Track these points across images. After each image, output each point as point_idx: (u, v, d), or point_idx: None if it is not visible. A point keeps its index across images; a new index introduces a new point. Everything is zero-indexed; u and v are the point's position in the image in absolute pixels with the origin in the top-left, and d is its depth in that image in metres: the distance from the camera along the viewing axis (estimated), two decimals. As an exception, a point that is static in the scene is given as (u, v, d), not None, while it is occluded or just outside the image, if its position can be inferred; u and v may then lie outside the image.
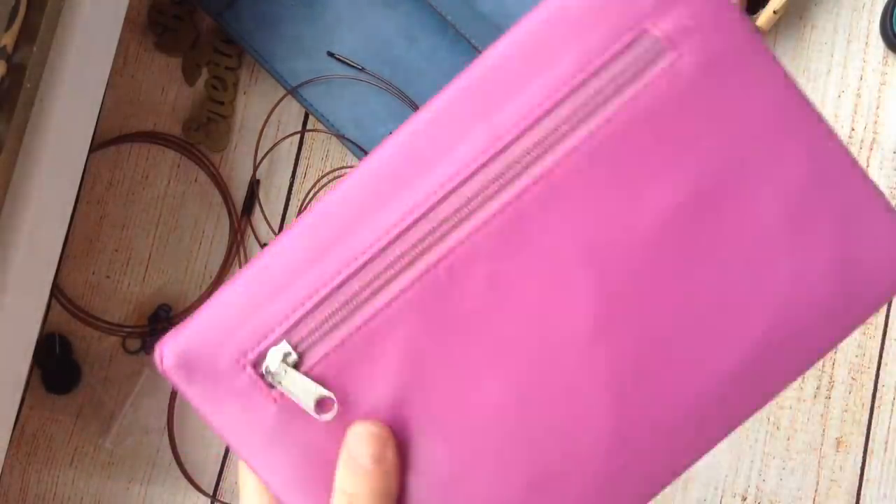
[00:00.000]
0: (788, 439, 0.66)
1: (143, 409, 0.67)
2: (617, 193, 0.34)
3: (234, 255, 0.68)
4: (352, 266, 0.34)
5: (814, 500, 0.66)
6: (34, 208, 0.54)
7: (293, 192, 0.68)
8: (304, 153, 0.68)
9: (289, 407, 0.34)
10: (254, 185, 0.68)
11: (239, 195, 0.68)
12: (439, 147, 0.34)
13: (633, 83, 0.34)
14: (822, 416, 0.66)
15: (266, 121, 0.67)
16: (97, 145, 0.66)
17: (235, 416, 0.34)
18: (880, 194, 0.35)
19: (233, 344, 0.34)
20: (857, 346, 0.66)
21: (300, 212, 0.67)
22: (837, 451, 0.66)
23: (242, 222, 0.68)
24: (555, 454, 0.35)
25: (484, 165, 0.34)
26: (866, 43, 0.65)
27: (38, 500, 0.67)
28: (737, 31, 0.34)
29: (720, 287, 0.35)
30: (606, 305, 0.34)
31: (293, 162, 0.68)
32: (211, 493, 0.68)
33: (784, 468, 0.66)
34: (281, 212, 0.68)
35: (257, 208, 0.68)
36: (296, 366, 0.34)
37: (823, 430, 0.66)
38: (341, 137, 0.66)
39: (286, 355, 0.34)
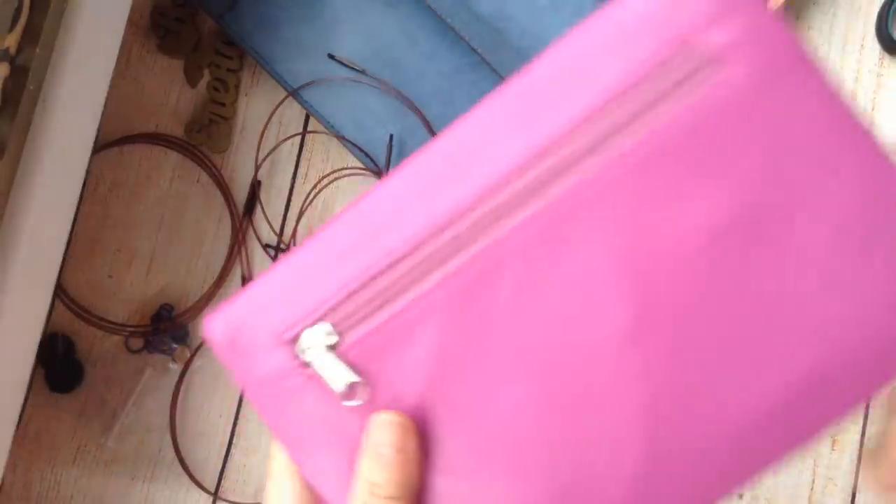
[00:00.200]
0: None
1: (146, 407, 0.68)
2: (659, 205, 0.33)
3: (236, 255, 0.68)
4: (392, 256, 0.34)
5: (809, 498, 0.66)
6: (37, 209, 0.54)
7: (294, 192, 0.68)
8: (304, 154, 0.68)
9: (321, 388, 0.35)
10: (255, 186, 0.68)
11: (240, 196, 0.68)
12: (482, 148, 0.34)
13: (681, 95, 0.33)
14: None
15: (267, 122, 0.67)
16: (100, 146, 0.67)
17: (272, 393, 0.35)
18: None
19: (274, 321, 0.35)
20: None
21: (301, 212, 0.68)
22: (833, 450, 0.66)
23: (244, 223, 0.68)
24: (578, 469, 0.34)
25: (525, 168, 0.34)
26: (862, 45, 0.65)
27: (41, 498, 0.68)
28: (788, 45, 0.33)
29: (765, 311, 0.33)
30: (642, 318, 0.33)
31: (294, 163, 0.68)
32: (213, 491, 0.68)
33: (779, 466, 0.66)
34: (282, 212, 0.68)
35: (258, 209, 0.68)
36: (332, 347, 0.34)
37: (820, 429, 0.66)
38: (342, 139, 0.66)
39: (323, 336, 0.34)
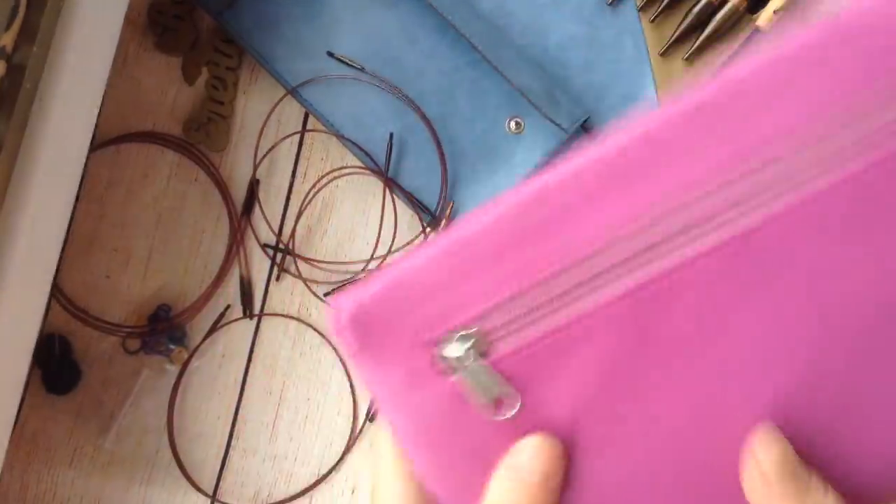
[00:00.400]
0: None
1: (143, 409, 0.67)
2: (864, 249, 0.29)
3: (234, 255, 0.68)
4: (565, 260, 0.30)
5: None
6: (33, 208, 0.54)
7: (293, 191, 0.68)
8: (303, 153, 0.68)
9: (458, 396, 0.31)
10: (253, 185, 0.68)
11: (239, 195, 0.68)
12: (680, 151, 0.30)
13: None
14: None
15: (266, 120, 0.67)
16: (97, 145, 0.66)
17: (400, 392, 0.32)
18: None
19: (417, 317, 0.31)
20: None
21: (300, 211, 0.67)
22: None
23: (242, 222, 0.68)
24: None
25: (723, 185, 0.29)
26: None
27: (38, 500, 0.67)
28: None
29: None
30: (821, 367, 0.30)
31: (293, 161, 0.68)
32: (211, 494, 0.68)
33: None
34: (281, 211, 0.68)
35: (257, 208, 0.68)
36: (482, 355, 0.31)
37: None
38: (341, 137, 0.66)
39: (474, 342, 0.31)
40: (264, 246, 0.68)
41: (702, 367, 0.31)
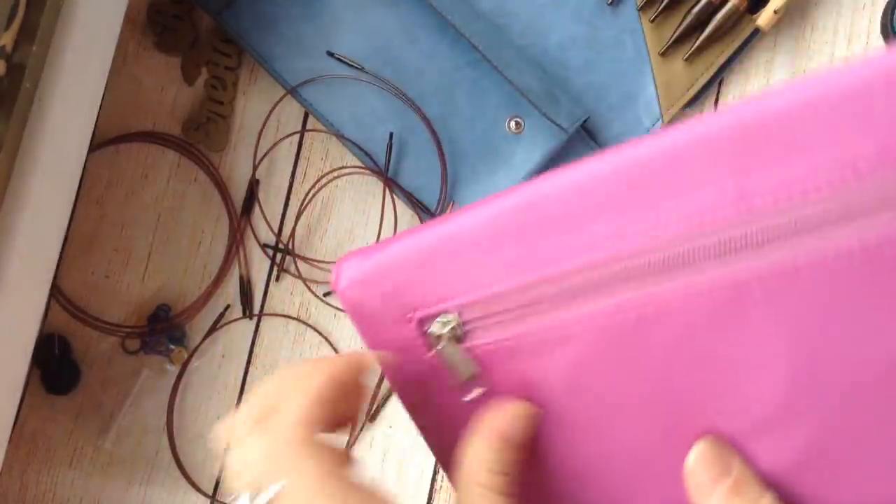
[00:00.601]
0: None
1: (143, 409, 0.67)
2: (861, 316, 0.28)
3: (234, 255, 0.68)
4: (555, 267, 0.31)
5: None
6: (33, 208, 0.54)
7: (293, 191, 0.68)
8: (303, 153, 0.68)
9: (437, 369, 0.34)
10: (253, 185, 0.68)
11: (238, 195, 0.68)
12: (683, 181, 0.28)
13: None
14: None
15: (265, 120, 0.67)
16: (96, 145, 0.66)
17: (389, 350, 0.35)
18: None
19: (409, 295, 0.34)
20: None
21: (299, 211, 0.67)
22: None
23: (242, 222, 0.68)
24: None
25: (721, 224, 0.28)
26: (867, 43, 0.65)
27: (37, 500, 0.67)
28: None
29: None
30: (784, 415, 0.30)
31: (293, 161, 0.68)
32: (210, 494, 0.68)
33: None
34: (280, 211, 0.68)
35: (257, 208, 0.68)
36: (459, 339, 0.33)
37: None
38: (341, 137, 0.65)
39: (454, 328, 0.33)
40: (264, 246, 0.68)
41: (667, 392, 0.31)
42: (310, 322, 0.68)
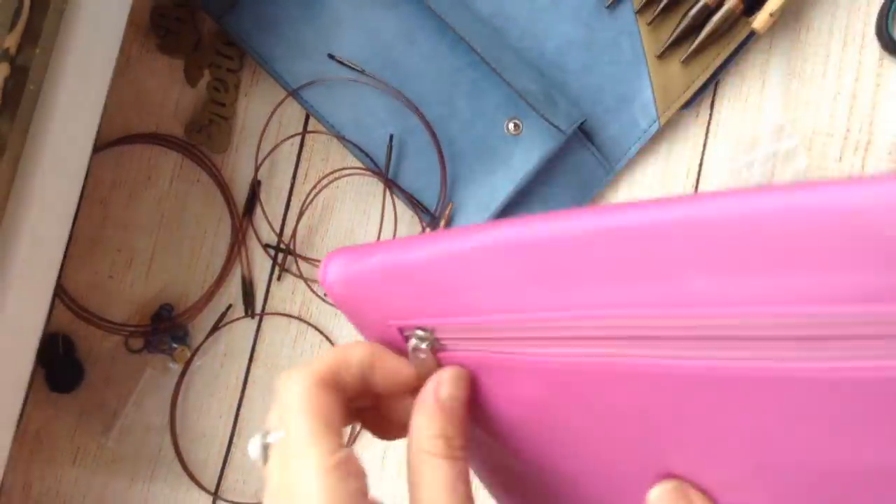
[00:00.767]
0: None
1: (146, 407, 0.68)
2: (836, 428, 0.27)
3: (236, 255, 0.68)
4: (532, 313, 0.30)
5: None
6: (37, 209, 0.54)
7: (294, 192, 0.68)
8: (304, 154, 0.68)
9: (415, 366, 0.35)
10: (255, 186, 0.68)
11: (240, 196, 0.68)
12: (692, 263, 0.27)
13: None
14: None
15: (267, 122, 0.67)
16: (100, 146, 0.67)
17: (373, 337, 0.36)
18: None
19: (389, 306, 0.34)
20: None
21: (301, 212, 0.68)
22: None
23: (244, 223, 0.68)
24: None
25: (712, 312, 0.27)
26: (862, 45, 0.66)
27: (41, 498, 0.68)
28: None
29: None
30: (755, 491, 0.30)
31: (294, 163, 0.68)
32: (213, 491, 0.68)
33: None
34: (282, 212, 0.68)
35: (258, 209, 0.68)
36: (435, 351, 0.34)
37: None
38: (342, 139, 0.66)
39: (429, 340, 0.34)
40: (266, 246, 0.68)
41: (633, 436, 0.31)
42: (311, 321, 0.68)
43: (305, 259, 0.68)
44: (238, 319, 0.68)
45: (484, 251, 0.31)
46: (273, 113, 0.67)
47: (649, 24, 0.65)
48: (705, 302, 0.26)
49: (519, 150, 0.65)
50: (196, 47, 0.67)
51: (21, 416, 0.65)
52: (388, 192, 0.67)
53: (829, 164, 0.65)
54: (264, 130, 0.67)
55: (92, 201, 0.68)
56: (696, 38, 0.64)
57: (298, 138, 0.68)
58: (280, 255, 0.68)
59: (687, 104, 0.65)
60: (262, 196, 0.68)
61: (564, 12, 0.65)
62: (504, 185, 0.65)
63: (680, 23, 0.64)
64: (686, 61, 0.64)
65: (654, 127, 0.65)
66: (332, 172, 0.68)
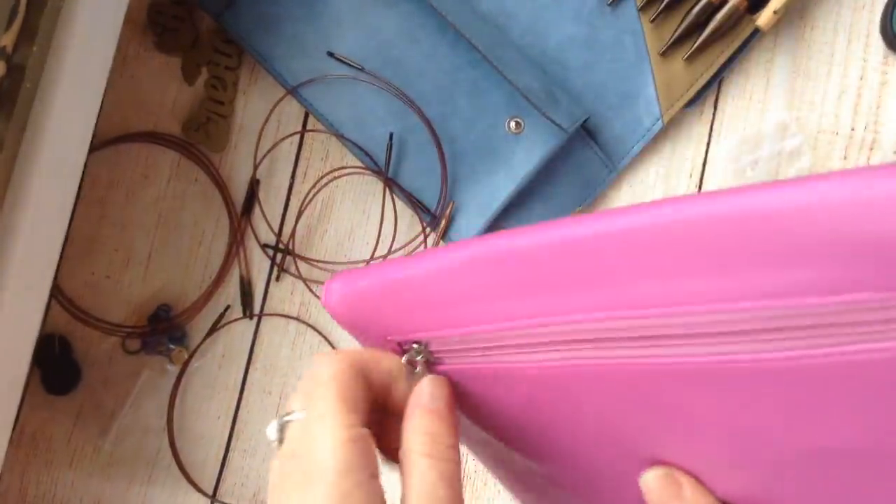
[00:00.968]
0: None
1: (143, 409, 0.67)
2: (806, 411, 0.29)
3: (234, 255, 0.68)
4: (521, 321, 0.32)
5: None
6: (33, 208, 0.54)
7: (293, 191, 0.68)
8: (303, 153, 0.68)
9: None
10: (253, 185, 0.68)
11: (239, 195, 0.68)
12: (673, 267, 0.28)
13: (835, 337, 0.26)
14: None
15: (266, 121, 0.67)
16: (97, 145, 0.66)
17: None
18: None
19: (386, 323, 0.36)
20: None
21: (300, 211, 0.67)
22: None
23: (242, 222, 0.68)
24: None
25: (683, 313, 0.29)
26: (866, 43, 0.65)
27: (38, 501, 0.67)
28: None
29: None
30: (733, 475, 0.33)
31: (293, 162, 0.68)
32: (211, 494, 0.68)
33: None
34: (281, 212, 0.68)
35: (257, 208, 0.68)
36: (431, 364, 0.36)
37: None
38: (341, 137, 0.66)
39: (424, 354, 0.36)
40: (264, 246, 0.68)
41: (620, 427, 0.33)
42: (310, 322, 0.68)
43: (304, 259, 0.67)
44: (236, 320, 0.68)
45: (459, 268, 0.33)
46: (272, 111, 0.67)
47: (652, 21, 0.64)
48: (656, 303, 0.29)
49: (520, 149, 0.64)
50: (194, 45, 0.67)
51: (17, 418, 0.65)
52: (388, 192, 0.66)
53: (833, 162, 0.65)
54: (263, 129, 0.66)
55: (89, 201, 0.67)
56: (699, 35, 0.63)
57: (297, 137, 0.68)
58: (279, 255, 0.68)
59: (690, 102, 0.65)
60: (261, 195, 0.68)
61: (566, 10, 0.65)
62: (505, 184, 0.64)
63: (683, 20, 0.63)
64: (689, 59, 0.64)
65: (658, 125, 0.64)
66: (331, 171, 0.67)
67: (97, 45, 0.58)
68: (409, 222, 0.67)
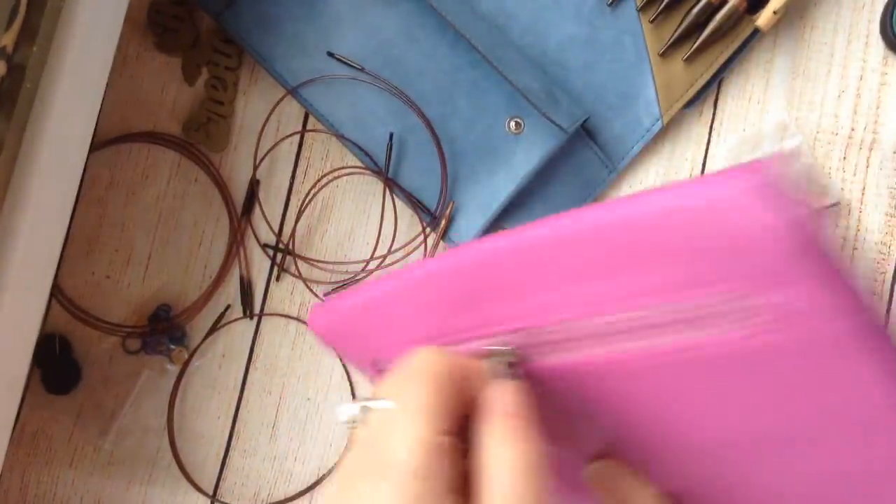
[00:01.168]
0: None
1: (143, 409, 0.67)
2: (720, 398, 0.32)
3: (234, 255, 0.68)
4: (448, 338, 0.35)
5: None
6: (34, 208, 0.54)
7: (293, 192, 0.68)
8: (303, 153, 0.68)
9: None
10: (254, 185, 0.68)
11: (239, 195, 0.68)
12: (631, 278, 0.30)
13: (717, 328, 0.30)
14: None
15: (266, 121, 0.67)
16: (97, 145, 0.66)
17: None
18: None
19: (370, 349, 0.38)
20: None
21: (300, 211, 0.67)
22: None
23: (242, 222, 0.68)
24: None
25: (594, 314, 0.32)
26: (866, 43, 0.65)
27: (38, 500, 0.67)
28: (848, 318, 0.29)
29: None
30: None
31: (293, 162, 0.68)
32: (211, 493, 0.68)
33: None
34: (281, 212, 0.68)
35: (257, 208, 0.68)
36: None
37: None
38: (341, 137, 0.66)
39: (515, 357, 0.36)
40: (264, 246, 0.68)
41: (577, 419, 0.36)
42: (310, 322, 0.68)
43: (304, 259, 0.67)
44: (236, 320, 0.68)
45: (416, 285, 0.35)
46: (272, 111, 0.67)
47: (652, 21, 0.64)
48: (557, 311, 0.31)
49: (520, 149, 0.64)
50: (194, 45, 0.67)
51: (17, 417, 0.65)
52: (388, 192, 0.66)
53: (833, 162, 0.65)
54: (263, 129, 0.67)
55: (89, 200, 0.67)
56: (699, 36, 0.63)
57: (297, 137, 0.68)
58: (279, 255, 0.68)
59: (690, 103, 0.65)
60: (261, 195, 0.68)
61: (566, 10, 0.65)
62: (505, 184, 0.64)
63: (683, 20, 0.63)
64: (689, 59, 0.64)
65: (657, 125, 0.65)
66: (331, 171, 0.67)
67: (97, 45, 0.58)
68: (409, 222, 0.67)
